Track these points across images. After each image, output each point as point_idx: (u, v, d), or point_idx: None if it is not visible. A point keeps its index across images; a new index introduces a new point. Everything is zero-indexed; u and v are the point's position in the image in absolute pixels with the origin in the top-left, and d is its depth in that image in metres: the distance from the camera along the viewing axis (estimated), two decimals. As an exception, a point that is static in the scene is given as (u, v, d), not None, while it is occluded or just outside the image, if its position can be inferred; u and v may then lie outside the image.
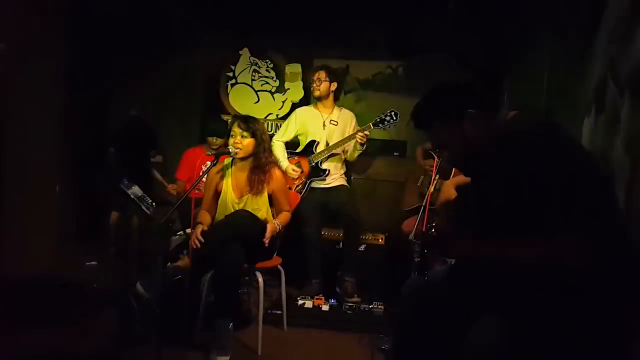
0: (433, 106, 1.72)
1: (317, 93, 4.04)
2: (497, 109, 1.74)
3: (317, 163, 4.05)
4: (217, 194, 3.28)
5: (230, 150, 3.09)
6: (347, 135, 4.02)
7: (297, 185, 4.06)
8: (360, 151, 3.99)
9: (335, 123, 4.07)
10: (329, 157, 4.04)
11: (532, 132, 1.55)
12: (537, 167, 1.45)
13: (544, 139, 1.51)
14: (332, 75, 4.03)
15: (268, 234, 3.00)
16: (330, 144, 4.02)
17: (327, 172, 4.04)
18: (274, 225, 3.07)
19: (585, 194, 1.43)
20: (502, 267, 1.51)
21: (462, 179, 2.11)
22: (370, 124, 3.89)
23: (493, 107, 1.73)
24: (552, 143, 1.50)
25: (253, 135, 3.12)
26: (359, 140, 3.87)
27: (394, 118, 3.84)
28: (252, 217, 3.02)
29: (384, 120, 3.85)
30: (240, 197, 3.19)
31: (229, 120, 3.25)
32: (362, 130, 3.87)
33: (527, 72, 3.71)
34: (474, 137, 1.65)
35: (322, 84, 4.00)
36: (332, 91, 4.05)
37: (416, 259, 1.60)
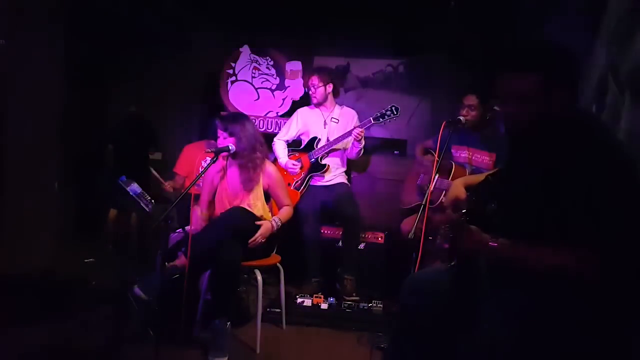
0: (550, 58, 1.56)
1: (314, 100, 4.05)
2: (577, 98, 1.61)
3: (317, 159, 4.05)
4: (214, 192, 3.29)
5: (230, 148, 3.10)
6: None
7: (296, 181, 4.06)
8: (360, 147, 3.97)
9: (337, 121, 4.08)
10: (329, 152, 4.03)
11: (595, 142, 1.49)
12: (587, 174, 1.41)
13: (604, 151, 1.46)
14: (326, 78, 4.02)
15: (258, 234, 2.98)
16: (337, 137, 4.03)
17: (326, 166, 4.04)
18: (269, 224, 3.06)
19: (622, 201, 1.40)
20: (507, 268, 1.50)
21: (471, 178, 2.09)
22: (371, 118, 3.89)
23: (577, 95, 1.60)
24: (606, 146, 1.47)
25: (231, 134, 3.12)
26: (355, 138, 3.86)
27: (394, 112, 3.83)
28: (247, 213, 3.02)
29: (385, 114, 3.84)
30: (235, 194, 3.19)
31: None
32: (359, 127, 3.86)
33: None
34: (552, 112, 1.54)
35: (318, 90, 4.00)
36: (329, 93, 4.04)
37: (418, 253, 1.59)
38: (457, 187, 1.98)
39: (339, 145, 4.03)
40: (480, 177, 2.03)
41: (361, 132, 3.86)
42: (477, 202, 1.73)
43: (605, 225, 1.38)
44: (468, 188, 1.99)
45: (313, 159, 4.06)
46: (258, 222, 3.06)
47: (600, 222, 1.39)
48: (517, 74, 1.56)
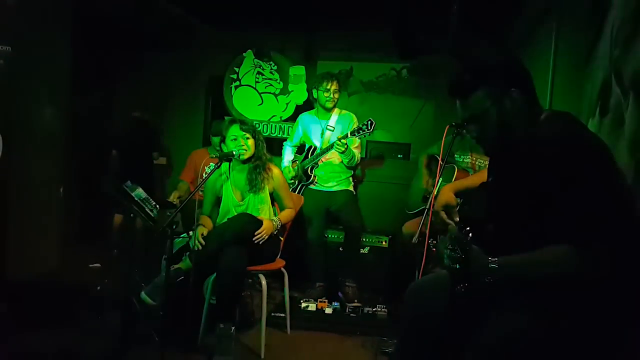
0: (481, 75, 1.60)
1: (331, 104, 4.02)
2: (536, 99, 1.64)
3: (307, 169, 4.07)
4: (217, 199, 3.30)
5: (235, 153, 3.09)
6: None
7: (292, 189, 4.07)
8: (348, 158, 3.92)
9: (332, 129, 4.06)
10: (316, 163, 4.06)
11: (569, 139, 1.48)
12: (567, 173, 1.41)
13: (579, 147, 1.46)
14: (340, 85, 4.06)
15: (262, 229, 3.00)
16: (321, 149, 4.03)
17: (312, 177, 4.07)
18: (270, 222, 3.07)
19: (615, 205, 1.40)
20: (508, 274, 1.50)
21: (460, 183, 2.09)
22: (349, 132, 3.82)
23: (534, 95, 1.63)
24: (585, 152, 1.45)
25: (253, 135, 3.16)
26: (337, 149, 3.80)
27: (369, 128, 3.74)
28: (253, 219, 3.03)
29: (360, 129, 3.76)
30: (242, 199, 3.20)
31: (224, 125, 3.27)
32: (340, 139, 3.78)
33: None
34: (511, 118, 1.57)
35: (335, 96, 4.01)
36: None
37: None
38: (447, 193, 1.99)
39: (330, 155, 4.02)
40: (467, 182, 2.03)
41: (341, 144, 3.74)
42: (469, 210, 1.73)
43: (595, 221, 1.38)
44: (458, 194, 2.00)
45: (303, 170, 4.10)
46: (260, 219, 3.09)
47: (588, 219, 1.38)
48: (461, 99, 1.63)
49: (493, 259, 1.49)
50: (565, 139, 1.48)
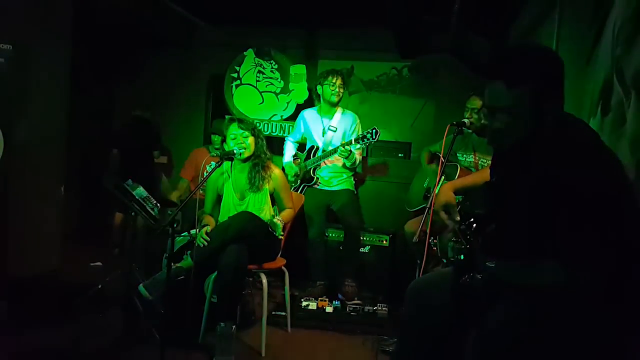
0: (528, 68, 1.49)
1: (336, 99, 3.99)
2: (563, 106, 1.57)
3: (309, 169, 4.07)
4: (218, 197, 3.31)
5: (235, 152, 3.10)
6: (345, 140, 3.97)
7: (294, 188, 4.06)
8: (350, 162, 3.91)
9: (334, 129, 4.03)
10: (319, 164, 4.06)
11: (586, 149, 1.47)
12: (578, 182, 1.39)
13: (595, 158, 1.44)
14: (344, 81, 4.05)
15: (281, 229, 3.04)
16: (324, 152, 4.02)
17: (315, 179, 4.06)
18: (279, 220, 3.09)
19: (621, 224, 1.39)
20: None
21: (460, 182, 2.09)
22: (353, 139, 3.80)
23: (563, 103, 1.56)
24: (600, 160, 1.44)
25: (252, 133, 3.16)
26: (341, 155, 3.81)
27: (373, 137, 3.73)
28: (255, 217, 3.03)
29: (365, 137, 3.75)
30: (242, 198, 3.20)
31: (224, 124, 3.27)
32: (343, 145, 3.79)
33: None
34: (541, 122, 1.50)
35: (340, 92, 3.98)
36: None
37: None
38: (446, 192, 1.97)
39: (331, 158, 4.01)
40: (467, 181, 2.02)
41: (345, 150, 3.75)
42: (470, 208, 1.72)
43: (598, 236, 1.37)
44: (458, 192, 1.99)
45: (305, 170, 4.09)
46: (265, 223, 3.09)
47: (591, 234, 1.37)
48: (503, 87, 1.50)
49: (490, 261, 1.49)
50: (583, 148, 1.46)
